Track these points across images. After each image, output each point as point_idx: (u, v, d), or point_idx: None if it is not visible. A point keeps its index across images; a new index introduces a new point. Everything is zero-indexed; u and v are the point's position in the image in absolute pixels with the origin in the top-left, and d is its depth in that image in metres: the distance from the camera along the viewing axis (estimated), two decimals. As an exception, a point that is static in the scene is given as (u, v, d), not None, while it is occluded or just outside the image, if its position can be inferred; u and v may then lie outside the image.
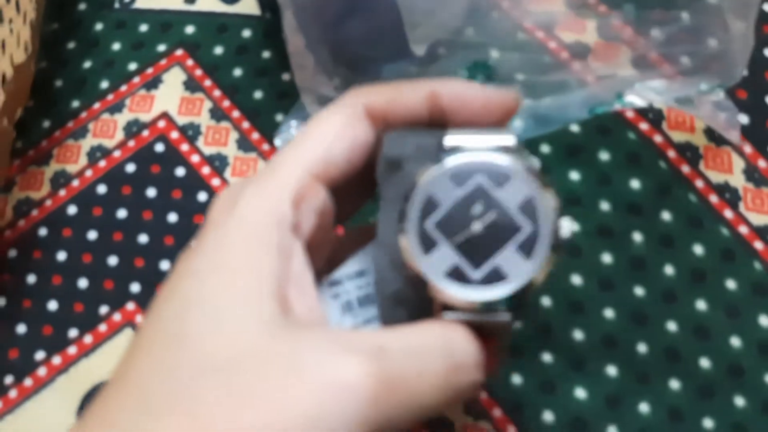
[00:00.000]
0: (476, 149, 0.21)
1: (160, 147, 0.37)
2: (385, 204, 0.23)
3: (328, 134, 0.22)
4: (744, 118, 0.35)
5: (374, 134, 0.23)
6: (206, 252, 0.21)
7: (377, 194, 0.24)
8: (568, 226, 0.21)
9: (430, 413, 0.20)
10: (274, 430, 0.18)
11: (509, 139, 0.22)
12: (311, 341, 0.19)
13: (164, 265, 0.36)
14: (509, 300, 0.21)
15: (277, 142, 0.36)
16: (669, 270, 0.33)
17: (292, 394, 0.18)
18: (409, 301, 0.22)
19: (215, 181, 0.37)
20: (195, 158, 0.37)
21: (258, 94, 0.38)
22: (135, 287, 0.35)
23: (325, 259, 0.24)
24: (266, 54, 0.39)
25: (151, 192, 0.37)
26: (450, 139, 0.22)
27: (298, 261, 0.21)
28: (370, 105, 0.23)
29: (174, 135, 0.38)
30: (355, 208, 0.26)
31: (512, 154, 0.21)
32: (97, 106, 0.39)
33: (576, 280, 0.34)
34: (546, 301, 0.33)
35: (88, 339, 0.35)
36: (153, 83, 0.39)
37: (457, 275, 0.21)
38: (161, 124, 0.38)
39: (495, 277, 0.21)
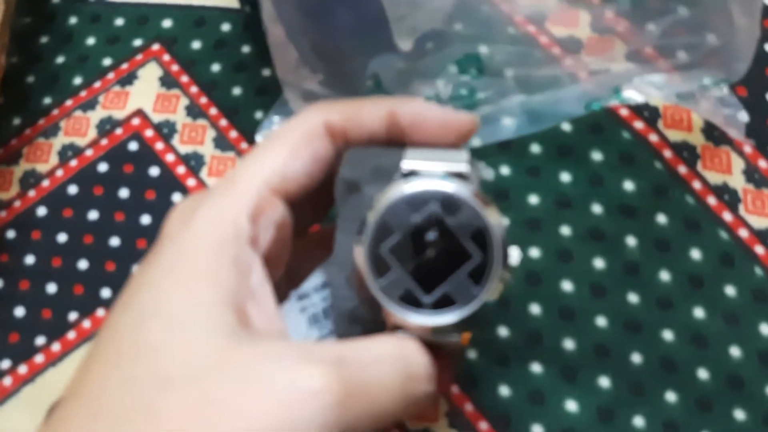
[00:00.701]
0: (431, 175, 0.22)
1: (133, 145, 0.36)
2: (342, 223, 0.23)
3: (287, 149, 0.22)
4: (744, 116, 0.34)
5: (334, 150, 0.23)
6: (163, 264, 0.21)
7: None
8: (516, 255, 0.22)
9: (387, 422, 0.20)
10: None
11: (462, 166, 0.23)
12: (272, 352, 0.19)
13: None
14: (458, 324, 0.22)
15: (259, 138, 0.35)
16: (665, 276, 0.32)
17: (258, 403, 0.18)
18: (363, 320, 0.23)
19: (191, 182, 0.35)
20: (170, 157, 0.36)
21: (237, 91, 0.37)
22: (106, 292, 0.34)
23: (283, 270, 0.24)
24: (245, 49, 0.37)
25: (123, 192, 0.35)
26: (407, 164, 0.23)
27: (256, 274, 0.21)
28: (330, 121, 0.23)
29: (149, 133, 0.36)
30: (315, 220, 0.27)
31: (465, 182, 0.22)
32: (69, 102, 0.37)
33: (567, 286, 0.32)
34: (535, 308, 0.32)
35: (56, 347, 0.33)
36: (128, 79, 0.37)
37: (409, 299, 0.22)
38: (135, 121, 0.36)
39: (445, 302, 0.22)
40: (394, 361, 0.20)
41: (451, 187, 0.22)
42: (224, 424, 0.18)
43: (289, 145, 0.23)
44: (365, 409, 0.19)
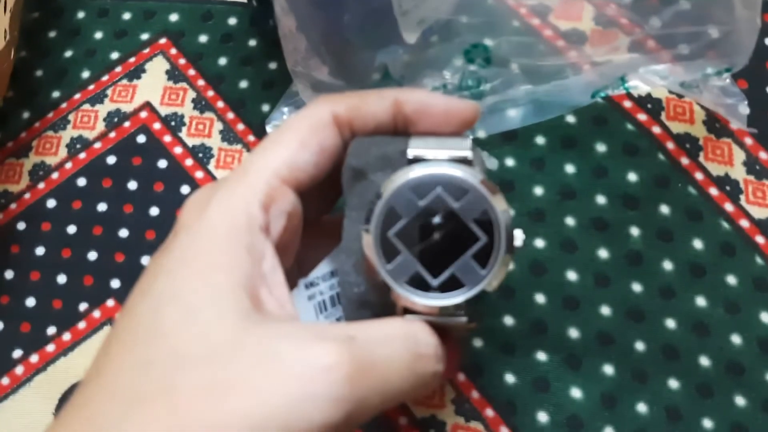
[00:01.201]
0: (436, 161, 0.23)
1: (141, 138, 0.36)
2: (350, 211, 0.24)
3: (296, 140, 0.23)
4: (745, 108, 0.34)
5: (341, 140, 0.24)
6: (179, 252, 0.21)
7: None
8: (520, 236, 0.22)
9: (397, 400, 0.21)
10: (257, 414, 0.18)
11: (466, 152, 0.23)
12: (284, 332, 0.20)
13: (145, 260, 0.34)
14: (465, 305, 0.22)
15: (270, 129, 0.35)
16: (667, 265, 0.32)
17: (270, 380, 0.19)
18: (372, 304, 0.23)
19: (198, 174, 0.35)
20: (178, 150, 0.36)
21: (243, 84, 0.37)
22: (115, 283, 0.34)
23: (294, 258, 0.24)
24: (252, 42, 0.38)
25: (132, 185, 0.36)
26: (412, 151, 0.23)
27: (269, 261, 0.22)
28: (337, 112, 0.24)
29: (156, 126, 0.36)
30: (324, 210, 0.27)
31: (470, 167, 0.23)
32: (78, 96, 0.38)
33: (571, 275, 0.32)
34: (540, 297, 0.32)
35: (66, 336, 0.34)
36: (135, 73, 0.38)
37: (417, 282, 0.22)
38: (143, 114, 0.37)
39: (452, 284, 0.22)
40: (402, 341, 0.21)
41: (455, 171, 0.22)
42: (237, 401, 0.18)
43: (298, 137, 0.23)
44: (375, 386, 0.20)
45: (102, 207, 0.35)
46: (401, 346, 0.21)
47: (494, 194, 0.22)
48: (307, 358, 0.19)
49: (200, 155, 0.36)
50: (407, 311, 0.22)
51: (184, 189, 0.35)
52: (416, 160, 0.23)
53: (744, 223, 0.33)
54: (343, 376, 0.19)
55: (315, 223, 0.26)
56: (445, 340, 0.23)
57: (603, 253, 0.33)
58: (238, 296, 0.20)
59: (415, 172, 0.22)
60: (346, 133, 0.24)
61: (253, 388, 0.18)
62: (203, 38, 0.38)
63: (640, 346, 0.31)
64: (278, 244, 0.22)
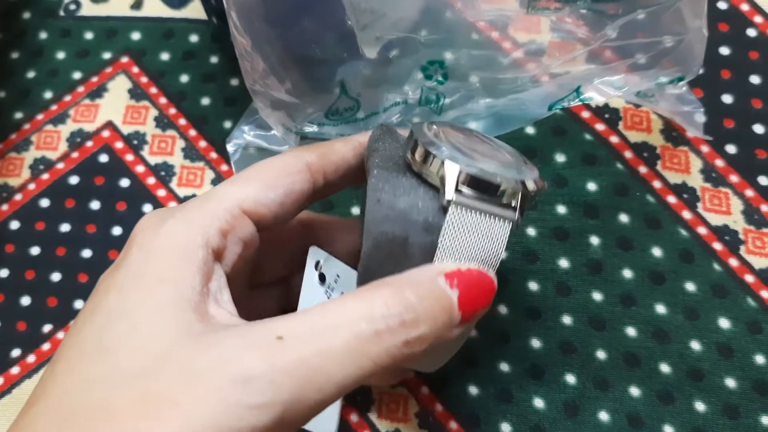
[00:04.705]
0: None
1: (104, 158, 0.36)
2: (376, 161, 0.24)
3: (265, 179, 0.24)
4: (701, 117, 0.35)
5: (311, 186, 0.25)
6: (130, 268, 0.22)
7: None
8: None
9: (350, 385, 0.20)
10: (187, 430, 0.18)
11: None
12: (216, 342, 0.20)
13: (109, 280, 0.34)
14: (512, 192, 0.22)
15: (230, 147, 0.35)
16: (627, 273, 0.33)
17: (195, 395, 0.19)
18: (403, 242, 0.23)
19: (161, 192, 0.35)
20: (140, 168, 0.36)
21: (205, 101, 0.37)
22: (79, 304, 0.34)
23: (244, 287, 0.25)
24: (214, 59, 0.38)
25: (95, 204, 0.36)
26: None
27: (216, 282, 0.22)
28: (310, 161, 0.25)
29: (119, 145, 0.36)
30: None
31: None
32: (40, 117, 0.38)
33: (532, 286, 0.33)
34: (503, 309, 0.32)
35: (31, 359, 0.33)
36: (98, 92, 0.38)
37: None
38: (106, 134, 0.37)
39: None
40: (347, 327, 0.20)
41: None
42: (168, 417, 0.18)
43: (269, 177, 0.24)
44: (306, 383, 0.19)
45: (65, 227, 0.35)
46: (344, 333, 0.19)
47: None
48: (227, 371, 0.19)
49: (162, 173, 0.36)
50: (458, 190, 0.22)
51: (147, 207, 0.35)
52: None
53: (702, 230, 0.33)
54: (263, 384, 0.19)
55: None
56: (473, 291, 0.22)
57: (564, 263, 0.33)
58: (182, 308, 0.20)
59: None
60: (319, 180, 0.26)
61: (176, 405, 0.19)
62: (165, 56, 0.38)
63: (601, 354, 0.32)
64: (230, 270, 0.23)
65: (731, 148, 0.35)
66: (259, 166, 0.25)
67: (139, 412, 0.19)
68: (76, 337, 0.21)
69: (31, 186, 0.36)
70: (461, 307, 0.21)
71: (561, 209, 0.34)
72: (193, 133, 0.36)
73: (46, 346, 0.34)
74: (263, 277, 0.28)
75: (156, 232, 0.22)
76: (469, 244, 0.22)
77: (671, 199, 0.34)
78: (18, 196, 0.36)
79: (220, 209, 0.23)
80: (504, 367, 0.32)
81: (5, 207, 0.36)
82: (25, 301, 0.34)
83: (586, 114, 0.36)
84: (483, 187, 0.22)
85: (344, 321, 0.20)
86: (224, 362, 0.19)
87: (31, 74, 0.39)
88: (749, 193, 0.34)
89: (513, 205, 0.23)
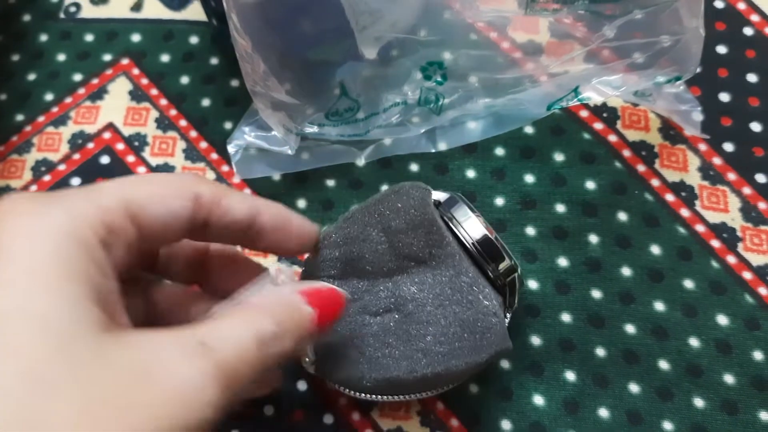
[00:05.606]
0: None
1: (105, 159, 0.36)
2: None
3: (152, 189, 0.23)
4: (699, 115, 0.35)
5: (190, 217, 0.24)
6: (17, 261, 0.19)
7: None
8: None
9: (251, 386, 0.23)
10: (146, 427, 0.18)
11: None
12: (150, 343, 0.20)
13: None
14: None
15: (230, 148, 0.35)
16: (626, 271, 0.33)
17: (141, 394, 0.19)
18: None
19: (162, 193, 0.36)
20: (141, 170, 0.36)
21: (206, 102, 0.37)
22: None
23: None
24: (214, 60, 0.38)
25: (96, 206, 0.36)
26: None
27: (113, 281, 0.21)
28: (200, 194, 0.24)
29: (120, 146, 0.37)
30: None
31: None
32: (41, 119, 0.38)
33: (532, 284, 0.33)
34: (502, 306, 0.33)
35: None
36: (98, 94, 0.38)
37: None
38: (107, 135, 0.37)
39: None
40: (246, 333, 0.22)
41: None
42: (113, 421, 0.18)
43: (158, 188, 0.23)
44: (237, 384, 0.21)
45: (67, 229, 0.35)
46: (248, 342, 0.22)
47: None
48: (178, 372, 0.19)
49: (164, 175, 0.36)
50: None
51: (149, 209, 0.35)
52: None
53: (700, 227, 0.34)
54: (203, 381, 0.20)
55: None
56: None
57: (563, 261, 0.33)
58: (93, 308, 0.19)
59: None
60: (200, 215, 0.24)
61: (125, 407, 0.18)
62: (165, 58, 0.38)
63: (600, 351, 0.32)
64: (115, 267, 0.22)
65: (729, 146, 0.35)
66: (155, 176, 0.25)
67: (81, 416, 0.18)
68: None
69: (33, 188, 0.36)
70: (317, 321, 0.25)
71: (560, 208, 0.34)
72: (193, 134, 0.37)
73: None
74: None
75: (34, 220, 0.20)
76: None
77: (669, 197, 0.34)
78: (20, 198, 0.36)
79: (108, 204, 0.22)
80: (504, 364, 0.32)
81: (7, 209, 0.36)
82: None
83: (584, 113, 0.36)
84: None
85: (243, 332, 0.22)
86: (172, 365, 0.19)
87: (31, 76, 0.39)
88: (747, 190, 0.34)
89: None
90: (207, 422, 0.20)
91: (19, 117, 0.38)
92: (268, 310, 0.23)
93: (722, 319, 0.32)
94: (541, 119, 0.35)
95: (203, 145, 0.36)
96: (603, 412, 0.31)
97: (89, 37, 0.39)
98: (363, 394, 0.28)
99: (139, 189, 0.23)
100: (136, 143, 0.37)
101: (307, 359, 0.28)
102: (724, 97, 0.36)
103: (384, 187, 0.35)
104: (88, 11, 0.40)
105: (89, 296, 0.19)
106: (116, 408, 0.18)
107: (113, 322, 0.20)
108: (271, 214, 0.26)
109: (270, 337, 0.22)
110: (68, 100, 0.38)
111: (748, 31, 0.37)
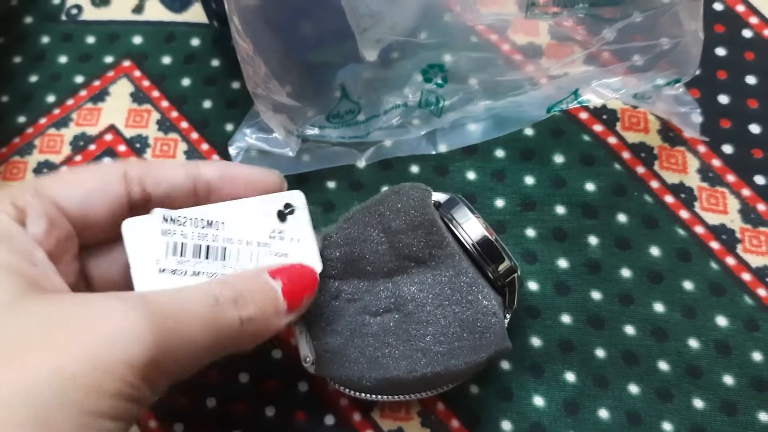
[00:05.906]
0: None
1: (107, 161, 0.37)
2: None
3: (78, 181, 0.25)
4: (698, 117, 0.35)
5: (125, 192, 0.26)
6: None
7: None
8: None
9: (210, 354, 0.23)
10: (62, 373, 0.19)
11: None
12: (73, 298, 0.21)
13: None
14: None
15: (232, 150, 0.35)
16: (625, 272, 0.33)
17: (76, 341, 0.20)
18: None
19: (164, 195, 0.36)
20: (143, 171, 0.36)
21: (207, 104, 0.37)
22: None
23: (73, 276, 0.25)
24: (215, 62, 0.38)
25: (98, 207, 0.36)
26: None
27: (40, 254, 0.23)
28: (127, 171, 0.26)
29: (121, 148, 0.37)
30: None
31: None
32: (43, 121, 0.38)
33: (532, 285, 0.33)
34: (502, 307, 0.33)
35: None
36: (100, 96, 0.38)
37: None
38: (108, 137, 0.37)
39: None
40: (199, 297, 0.23)
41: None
42: (40, 360, 0.19)
43: (83, 180, 0.25)
44: (177, 336, 0.21)
45: (69, 230, 0.36)
46: (198, 300, 0.22)
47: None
48: (108, 317, 0.20)
49: (165, 176, 0.36)
50: None
51: (150, 210, 0.35)
52: None
53: (699, 229, 0.34)
54: (142, 327, 0.20)
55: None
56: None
57: (563, 263, 0.33)
58: (12, 275, 0.21)
59: None
60: (135, 189, 0.26)
61: (50, 351, 0.19)
62: (166, 59, 0.39)
63: (600, 352, 0.32)
64: (49, 250, 0.24)
65: (728, 148, 0.35)
66: (80, 168, 0.27)
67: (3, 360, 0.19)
68: None
69: (35, 189, 0.37)
70: (286, 296, 0.25)
71: (560, 210, 0.34)
72: (195, 136, 0.37)
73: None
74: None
75: None
76: None
77: (669, 199, 0.34)
78: (21, 200, 0.36)
79: (15, 188, 0.24)
80: (504, 365, 0.32)
81: (9, 210, 0.36)
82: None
83: (584, 115, 0.36)
84: None
85: (197, 292, 0.23)
86: (98, 309, 0.20)
87: (33, 78, 0.39)
88: (746, 192, 0.34)
89: None
90: (140, 361, 0.20)
91: (21, 119, 0.38)
92: (227, 280, 0.24)
93: (721, 321, 0.32)
94: (541, 121, 0.35)
95: (204, 147, 0.37)
96: (603, 413, 0.31)
97: (91, 39, 0.40)
98: (363, 394, 0.28)
99: (56, 175, 0.25)
100: (138, 145, 0.37)
101: (307, 359, 0.28)
102: (723, 99, 0.36)
103: (384, 189, 0.35)
104: (90, 13, 0.40)
105: (8, 267, 0.21)
106: (22, 348, 0.19)
107: (36, 287, 0.21)
108: (213, 168, 0.27)
109: (228, 299, 0.23)
110: (70, 102, 0.38)
111: (747, 33, 0.37)
